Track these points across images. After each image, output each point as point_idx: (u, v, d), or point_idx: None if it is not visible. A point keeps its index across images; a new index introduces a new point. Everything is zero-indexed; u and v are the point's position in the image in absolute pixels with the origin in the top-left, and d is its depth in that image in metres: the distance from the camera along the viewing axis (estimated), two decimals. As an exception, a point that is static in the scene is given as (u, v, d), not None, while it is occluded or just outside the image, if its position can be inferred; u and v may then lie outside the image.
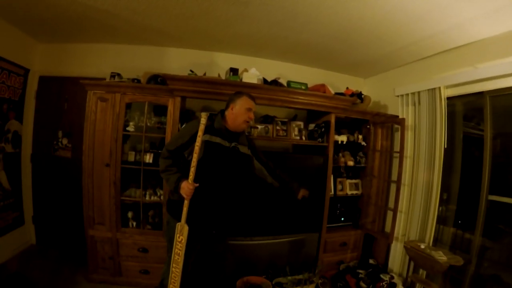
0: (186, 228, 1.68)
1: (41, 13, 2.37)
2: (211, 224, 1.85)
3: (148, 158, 2.48)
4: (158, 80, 2.51)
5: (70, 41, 2.99)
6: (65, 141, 3.11)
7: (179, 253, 1.70)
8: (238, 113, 1.78)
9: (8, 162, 2.77)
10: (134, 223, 2.54)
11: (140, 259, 2.51)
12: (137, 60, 2.96)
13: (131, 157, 2.52)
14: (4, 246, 2.70)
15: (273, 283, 2.42)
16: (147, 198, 2.52)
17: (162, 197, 2.51)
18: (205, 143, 1.70)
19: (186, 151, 1.75)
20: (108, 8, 2.20)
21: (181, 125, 2.45)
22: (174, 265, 1.71)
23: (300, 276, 2.51)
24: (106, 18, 2.40)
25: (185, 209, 1.67)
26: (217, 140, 1.74)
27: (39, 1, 2.17)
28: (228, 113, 1.82)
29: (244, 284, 2.38)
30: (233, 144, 1.80)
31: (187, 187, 1.63)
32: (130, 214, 2.55)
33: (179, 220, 1.68)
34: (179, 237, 1.69)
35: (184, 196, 1.64)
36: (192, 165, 1.62)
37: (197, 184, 1.64)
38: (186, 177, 1.65)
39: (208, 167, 1.71)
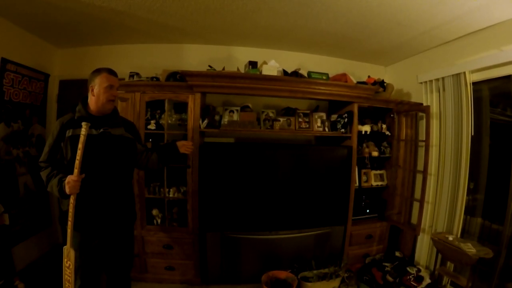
0: (72, 252, 1.47)
1: (57, 19, 2.40)
2: (104, 225, 1.65)
3: (171, 156, 2.48)
4: (177, 77, 2.51)
5: (88, 45, 3.04)
6: (87, 142, 3.15)
7: (68, 279, 1.47)
8: (99, 93, 1.59)
9: (33, 165, 2.82)
10: (159, 220, 2.56)
11: (165, 255, 2.53)
12: (155, 59, 2.97)
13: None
14: (32, 247, 2.77)
15: (299, 277, 2.40)
16: (171, 195, 2.53)
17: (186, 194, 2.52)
18: (69, 140, 1.53)
19: (58, 154, 1.58)
20: (122, 8, 2.21)
21: (202, 121, 2.46)
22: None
23: (326, 270, 2.49)
24: (122, 19, 2.42)
25: (71, 210, 1.44)
26: None
27: (54, 8, 2.19)
28: (89, 97, 1.62)
29: (269, 279, 2.37)
30: (101, 130, 1.60)
31: (71, 180, 1.42)
32: (155, 212, 2.57)
33: (78, 230, 1.52)
34: (66, 262, 1.47)
35: (69, 191, 1.43)
36: (76, 159, 1.44)
37: (83, 175, 1.46)
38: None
39: (83, 163, 1.48)
